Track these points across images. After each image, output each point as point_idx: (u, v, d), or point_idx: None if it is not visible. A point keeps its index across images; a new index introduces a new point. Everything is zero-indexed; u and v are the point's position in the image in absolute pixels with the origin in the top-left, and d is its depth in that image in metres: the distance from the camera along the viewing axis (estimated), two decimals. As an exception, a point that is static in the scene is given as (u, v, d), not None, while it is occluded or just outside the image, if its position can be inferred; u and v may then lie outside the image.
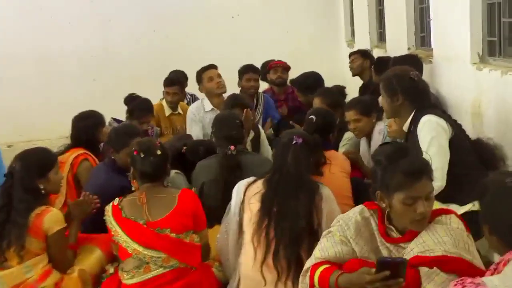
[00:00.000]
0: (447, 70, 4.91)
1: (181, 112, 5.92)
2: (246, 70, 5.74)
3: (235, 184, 3.25)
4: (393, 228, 2.48)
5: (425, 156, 2.90)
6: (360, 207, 2.64)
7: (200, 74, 5.25)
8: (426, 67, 5.11)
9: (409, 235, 2.43)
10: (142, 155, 3.10)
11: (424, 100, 3.41)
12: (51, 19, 8.88)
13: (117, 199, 3.15)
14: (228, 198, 3.23)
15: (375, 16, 7.67)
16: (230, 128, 3.79)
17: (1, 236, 3.06)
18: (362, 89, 6.21)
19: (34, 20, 8.83)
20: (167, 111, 5.91)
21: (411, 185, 2.35)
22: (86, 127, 4.30)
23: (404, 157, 2.42)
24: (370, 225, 2.54)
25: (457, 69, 4.68)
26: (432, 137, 3.22)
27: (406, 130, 3.43)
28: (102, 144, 4.49)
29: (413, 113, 3.37)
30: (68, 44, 8.94)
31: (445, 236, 2.34)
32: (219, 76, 5.22)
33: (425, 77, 4.98)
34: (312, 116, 3.90)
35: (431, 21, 5.67)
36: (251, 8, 9.28)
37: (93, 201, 3.44)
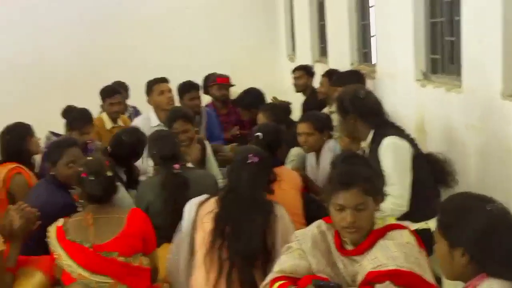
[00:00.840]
0: (391, 87, 4.98)
1: (122, 124, 5.70)
2: (188, 89, 5.54)
3: (182, 202, 3.14)
4: (347, 241, 2.49)
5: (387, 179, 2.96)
6: (318, 221, 2.64)
7: (150, 86, 5.11)
8: (369, 83, 5.18)
9: (360, 248, 2.45)
10: (91, 178, 2.92)
11: (378, 116, 3.43)
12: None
13: (61, 220, 2.97)
14: (176, 216, 3.13)
15: (317, 30, 7.73)
16: (169, 148, 3.67)
17: None
18: (304, 105, 6.27)
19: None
20: (108, 124, 5.68)
21: (337, 193, 2.41)
22: (13, 139, 4.07)
23: (350, 164, 2.44)
24: (327, 238, 2.55)
25: (401, 86, 4.76)
26: (395, 161, 3.25)
27: (367, 149, 3.44)
28: (39, 160, 4.27)
29: (372, 132, 3.39)
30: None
31: (396, 251, 2.36)
32: (170, 91, 5.12)
33: (368, 93, 5.06)
34: (258, 134, 3.82)
35: (373, 37, 5.76)
36: (192, 19, 9.19)
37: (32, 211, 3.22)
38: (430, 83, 4.36)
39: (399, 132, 3.40)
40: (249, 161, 2.98)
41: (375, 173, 2.73)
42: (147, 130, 4.89)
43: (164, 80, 5.15)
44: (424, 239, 3.00)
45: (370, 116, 3.39)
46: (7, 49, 8.58)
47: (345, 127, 3.53)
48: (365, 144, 3.48)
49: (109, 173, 2.97)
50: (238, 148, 3.52)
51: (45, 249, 3.02)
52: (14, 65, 8.63)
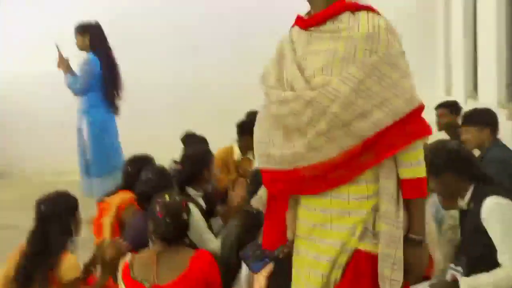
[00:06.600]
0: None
1: (251, 158, 5.51)
2: None
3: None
4: None
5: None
6: None
7: None
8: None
9: None
10: (167, 220, 2.88)
11: (472, 168, 3.06)
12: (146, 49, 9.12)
13: (129, 254, 2.96)
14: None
15: (471, 64, 7.13)
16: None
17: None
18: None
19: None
20: (237, 156, 5.60)
21: None
22: (133, 170, 4.11)
23: None
24: None
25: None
26: (504, 226, 2.85)
27: (465, 207, 3.07)
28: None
29: (471, 188, 3.02)
30: (159, 73, 9.13)
31: None
32: None
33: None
34: None
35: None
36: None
37: (123, 245, 3.26)
38: None
39: (502, 191, 2.96)
40: None
41: None
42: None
43: None
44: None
45: (465, 170, 3.03)
46: (167, 73, 9.12)
47: (442, 186, 3.14)
48: (463, 203, 3.08)
49: (185, 217, 2.91)
50: None
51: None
52: (173, 90, 9.14)
